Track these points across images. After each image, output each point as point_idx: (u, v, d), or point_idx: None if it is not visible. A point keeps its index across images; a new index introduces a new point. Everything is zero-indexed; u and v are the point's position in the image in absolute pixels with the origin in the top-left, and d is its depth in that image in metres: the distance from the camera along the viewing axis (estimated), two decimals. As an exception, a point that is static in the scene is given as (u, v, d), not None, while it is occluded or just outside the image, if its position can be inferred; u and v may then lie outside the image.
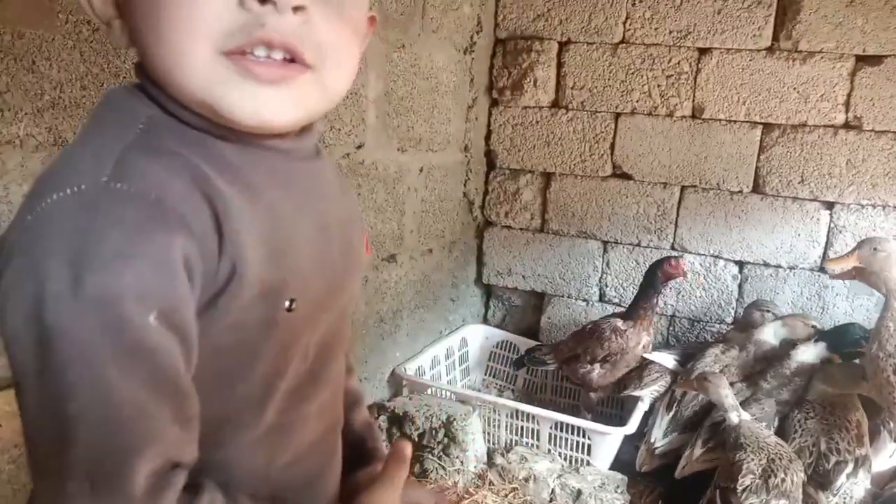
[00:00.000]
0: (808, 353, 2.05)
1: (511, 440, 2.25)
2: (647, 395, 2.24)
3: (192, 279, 0.53)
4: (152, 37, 0.56)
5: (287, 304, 0.60)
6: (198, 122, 0.59)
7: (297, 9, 0.57)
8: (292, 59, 0.58)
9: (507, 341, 2.81)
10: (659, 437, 2.09)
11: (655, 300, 2.24)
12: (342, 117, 1.92)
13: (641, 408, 2.21)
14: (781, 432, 1.92)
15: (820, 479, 1.78)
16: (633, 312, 2.24)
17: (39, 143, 1.18)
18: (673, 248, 2.63)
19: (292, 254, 0.62)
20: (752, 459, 1.72)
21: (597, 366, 2.25)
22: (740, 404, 1.89)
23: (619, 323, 2.23)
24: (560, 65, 2.68)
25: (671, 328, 2.69)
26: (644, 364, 2.27)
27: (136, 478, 0.50)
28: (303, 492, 0.71)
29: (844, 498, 1.78)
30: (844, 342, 2.05)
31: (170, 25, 0.55)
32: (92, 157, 0.54)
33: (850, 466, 1.78)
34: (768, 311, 2.31)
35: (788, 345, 2.13)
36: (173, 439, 0.53)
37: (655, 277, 2.22)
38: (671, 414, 2.12)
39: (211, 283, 0.55)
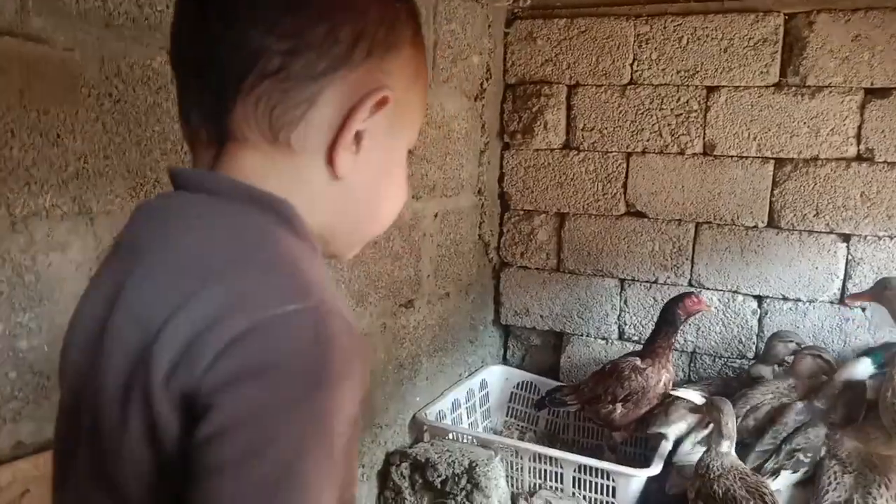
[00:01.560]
0: (851, 371, 2.04)
1: (535, 483, 2.24)
2: (672, 432, 2.23)
3: None
4: (382, 191, 0.68)
5: None
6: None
7: None
8: None
9: (527, 381, 2.81)
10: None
11: (674, 338, 2.24)
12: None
13: (666, 447, 2.19)
14: (814, 481, 1.88)
15: None
16: (650, 350, 2.24)
17: (64, 213, 1.22)
18: (690, 283, 2.63)
19: None
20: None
21: (619, 405, 2.24)
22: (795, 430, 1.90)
23: (639, 362, 2.23)
24: (570, 107, 2.72)
25: (692, 364, 2.68)
26: (670, 401, 2.26)
27: None
28: None
29: None
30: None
31: (398, 195, 0.70)
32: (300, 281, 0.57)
33: None
34: (791, 342, 2.30)
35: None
36: None
37: (674, 315, 2.22)
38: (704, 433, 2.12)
39: None
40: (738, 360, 2.60)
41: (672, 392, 2.23)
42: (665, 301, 2.35)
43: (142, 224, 0.64)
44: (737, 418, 1.96)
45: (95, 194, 1.27)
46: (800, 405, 2.05)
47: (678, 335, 2.32)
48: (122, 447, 0.55)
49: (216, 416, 0.50)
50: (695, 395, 2.24)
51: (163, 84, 1.38)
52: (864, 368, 2.05)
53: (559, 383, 2.70)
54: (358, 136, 0.62)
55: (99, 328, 0.59)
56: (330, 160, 0.62)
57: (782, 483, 1.87)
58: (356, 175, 0.63)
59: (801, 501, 1.90)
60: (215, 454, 0.50)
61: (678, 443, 2.23)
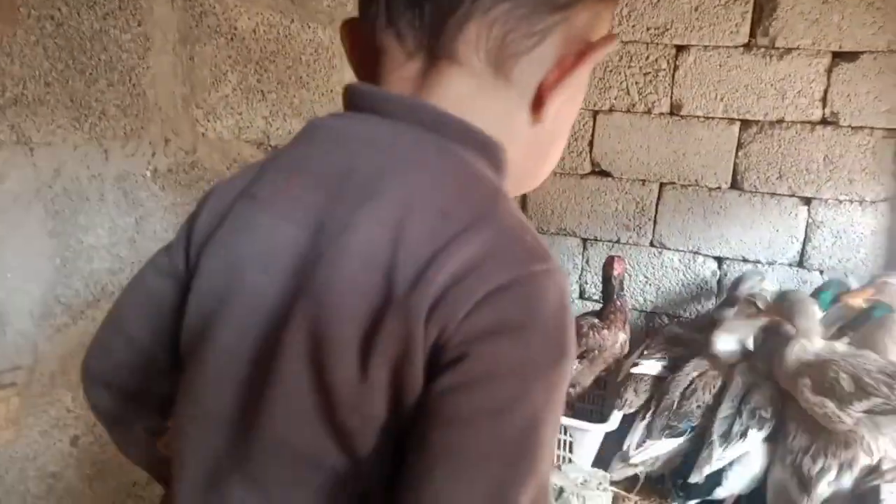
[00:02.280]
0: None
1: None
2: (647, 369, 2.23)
3: None
4: (554, 153, 0.66)
5: None
6: None
7: None
8: None
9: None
10: (633, 446, 2.06)
11: (622, 299, 2.25)
12: (318, 114, 1.90)
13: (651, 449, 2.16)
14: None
15: (802, 482, 1.76)
16: (607, 311, 2.24)
17: (1, 141, 1.15)
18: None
19: None
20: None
21: (575, 362, 2.24)
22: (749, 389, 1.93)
23: (596, 321, 2.23)
24: (538, 62, 2.67)
25: (651, 324, 2.69)
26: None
27: None
28: None
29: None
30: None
31: (558, 155, 0.67)
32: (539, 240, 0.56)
33: (834, 473, 1.75)
34: (759, 276, 2.34)
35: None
36: None
37: (609, 277, 2.24)
38: (645, 422, 2.06)
39: None
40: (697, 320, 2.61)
41: (633, 370, 2.23)
42: (628, 260, 2.35)
43: (339, 149, 0.59)
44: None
45: (35, 123, 1.20)
46: (742, 364, 2.07)
47: (627, 296, 2.31)
48: (361, 399, 0.53)
49: (472, 365, 0.50)
50: (655, 367, 2.25)
51: (110, 10, 1.30)
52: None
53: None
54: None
55: (299, 263, 0.55)
56: (539, 101, 0.59)
57: (752, 443, 1.89)
58: (551, 124, 0.61)
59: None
60: (467, 403, 0.50)
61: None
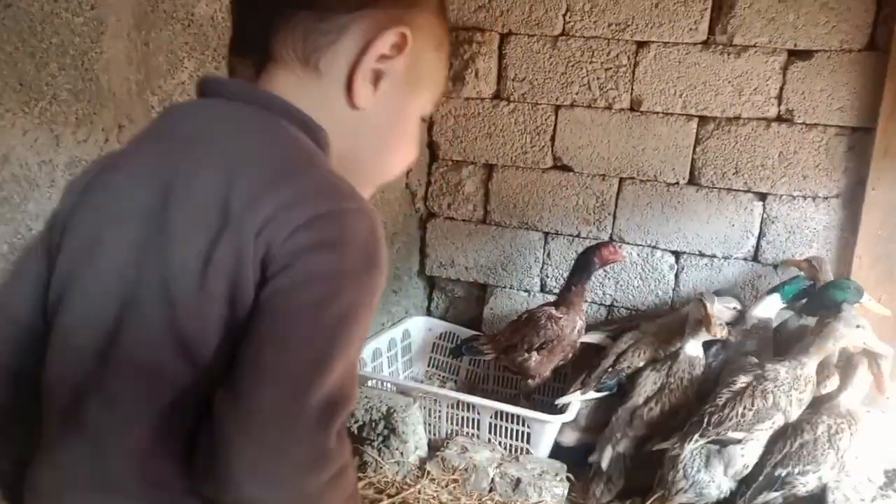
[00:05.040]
0: (761, 307, 2.23)
1: (452, 430, 2.25)
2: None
3: None
4: (394, 135, 0.78)
5: None
6: None
7: None
8: None
9: (450, 332, 2.80)
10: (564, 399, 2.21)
11: (587, 285, 2.28)
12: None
13: (578, 395, 2.23)
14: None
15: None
16: (565, 299, 2.26)
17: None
18: (611, 238, 2.66)
19: None
20: None
21: (534, 353, 2.26)
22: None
23: (554, 310, 2.25)
24: (501, 56, 2.69)
25: (609, 317, 2.72)
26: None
27: (338, 425, 0.64)
28: None
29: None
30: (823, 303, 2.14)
31: (407, 151, 0.81)
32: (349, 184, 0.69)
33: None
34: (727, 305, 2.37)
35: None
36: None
37: (590, 262, 2.25)
38: (582, 377, 2.25)
39: None
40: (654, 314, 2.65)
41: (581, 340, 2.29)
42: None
43: (188, 121, 0.72)
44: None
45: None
46: (715, 347, 2.20)
47: (590, 284, 2.36)
48: (200, 308, 0.64)
49: (297, 272, 0.63)
50: (598, 336, 2.41)
51: (62, -8, 1.28)
52: (773, 304, 2.22)
53: (477, 333, 2.71)
54: (378, 75, 0.72)
55: (151, 213, 0.67)
56: (349, 87, 0.71)
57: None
58: (373, 111, 0.73)
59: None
60: (294, 299, 0.63)
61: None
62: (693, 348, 2.13)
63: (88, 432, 0.68)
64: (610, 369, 2.23)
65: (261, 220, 0.63)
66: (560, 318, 2.22)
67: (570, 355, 2.30)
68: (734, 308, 2.32)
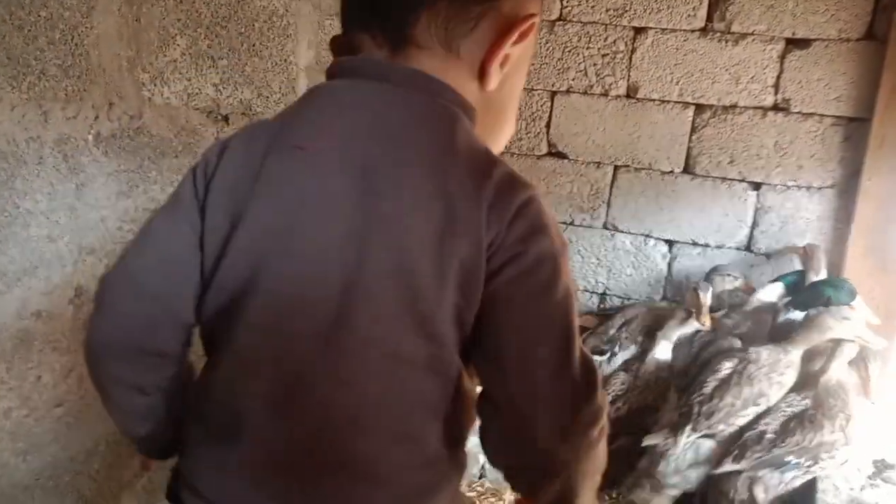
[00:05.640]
0: (764, 293, 2.24)
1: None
2: None
3: None
4: (510, 112, 0.83)
5: None
6: None
7: None
8: None
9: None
10: None
11: None
12: (271, 84, 1.86)
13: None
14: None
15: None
16: None
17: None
18: (605, 227, 2.65)
19: None
20: None
21: None
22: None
23: None
24: (497, 40, 2.65)
25: (601, 306, 2.72)
26: None
27: (600, 380, 0.73)
28: None
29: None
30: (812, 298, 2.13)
31: (513, 124, 0.84)
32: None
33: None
34: (729, 275, 2.38)
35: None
36: None
37: None
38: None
39: None
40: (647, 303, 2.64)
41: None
42: (582, 242, 2.36)
43: (366, 107, 0.73)
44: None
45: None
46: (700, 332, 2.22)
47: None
48: (437, 293, 0.69)
49: (526, 258, 0.69)
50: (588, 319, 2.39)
51: (50, -36, 1.24)
52: (775, 291, 2.23)
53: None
54: (506, 58, 0.75)
55: (357, 200, 0.69)
56: (483, 72, 0.75)
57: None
58: (498, 92, 0.77)
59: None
60: (531, 284, 0.69)
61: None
62: (663, 351, 2.15)
63: (317, 412, 0.72)
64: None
65: (485, 210, 0.68)
66: None
67: None
68: (735, 284, 2.32)
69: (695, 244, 2.57)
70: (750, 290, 2.30)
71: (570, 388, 0.70)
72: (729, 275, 2.35)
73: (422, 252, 0.68)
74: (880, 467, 2.03)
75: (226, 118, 1.72)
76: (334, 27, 2.10)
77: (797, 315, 2.16)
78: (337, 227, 0.70)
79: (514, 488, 0.80)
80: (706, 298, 2.08)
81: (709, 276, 2.39)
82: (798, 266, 2.31)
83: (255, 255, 0.72)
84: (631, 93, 2.54)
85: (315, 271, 0.70)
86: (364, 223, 0.69)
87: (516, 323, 0.70)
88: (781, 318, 2.26)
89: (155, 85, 1.51)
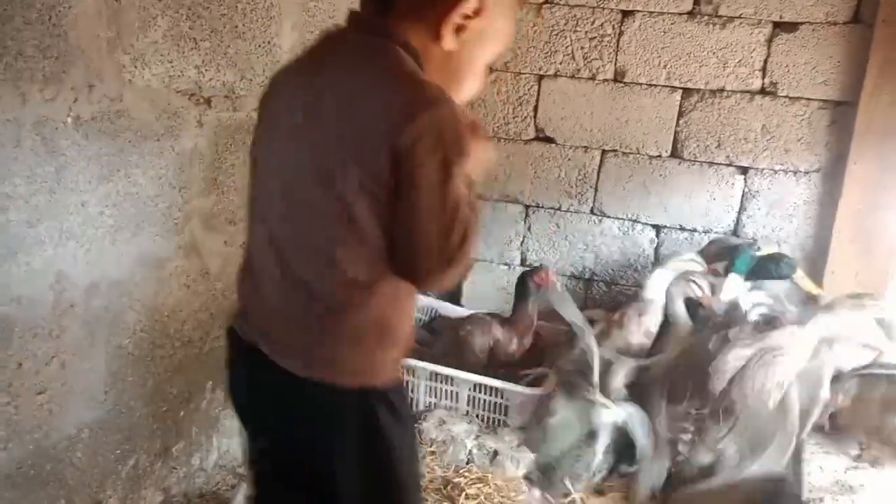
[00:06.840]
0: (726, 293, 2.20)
1: (431, 403, 2.23)
2: None
3: None
4: (467, 72, 1.04)
5: None
6: None
7: None
8: None
9: (428, 307, 2.77)
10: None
11: (531, 307, 2.27)
12: (254, 67, 1.83)
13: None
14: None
15: None
16: (513, 321, 2.28)
17: None
18: (592, 211, 2.64)
19: None
20: None
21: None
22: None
23: (500, 333, 2.26)
24: (484, 24, 2.63)
25: (589, 291, 2.71)
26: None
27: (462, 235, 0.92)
28: None
29: None
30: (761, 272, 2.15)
31: (475, 82, 1.06)
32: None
33: None
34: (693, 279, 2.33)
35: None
36: None
37: (527, 288, 2.25)
38: None
39: None
40: (633, 288, 2.64)
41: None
42: (570, 227, 2.34)
43: (337, 44, 1.02)
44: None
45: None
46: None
47: (534, 305, 2.29)
48: (354, 170, 0.91)
49: (417, 154, 0.88)
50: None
51: (26, -59, 1.21)
52: (734, 284, 2.20)
53: (461, 307, 2.69)
54: (461, 28, 0.98)
55: (311, 104, 0.96)
56: (437, 34, 0.98)
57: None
58: (456, 53, 1.00)
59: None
60: (418, 176, 0.88)
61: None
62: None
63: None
64: None
65: (394, 117, 0.88)
66: (499, 338, 2.25)
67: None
68: (697, 267, 2.28)
69: (682, 229, 2.57)
70: (714, 273, 2.28)
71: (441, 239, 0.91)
72: (693, 278, 2.20)
73: (341, 141, 0.93)
74: (865, 448, 2.04)
75: (208, 101, 1.70)
76: (319, 9, 2.07)
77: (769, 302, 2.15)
78: (292, 136, 0.98)
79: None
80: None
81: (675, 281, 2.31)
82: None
83: (260, 149, 1.08)
84: (618, 77, 2.53)
85: (275, 165, 1.02)
86: (305, 124, 0.96)
87: (411, 203, 0.91)
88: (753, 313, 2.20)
89: (136, 67, 1.48)
